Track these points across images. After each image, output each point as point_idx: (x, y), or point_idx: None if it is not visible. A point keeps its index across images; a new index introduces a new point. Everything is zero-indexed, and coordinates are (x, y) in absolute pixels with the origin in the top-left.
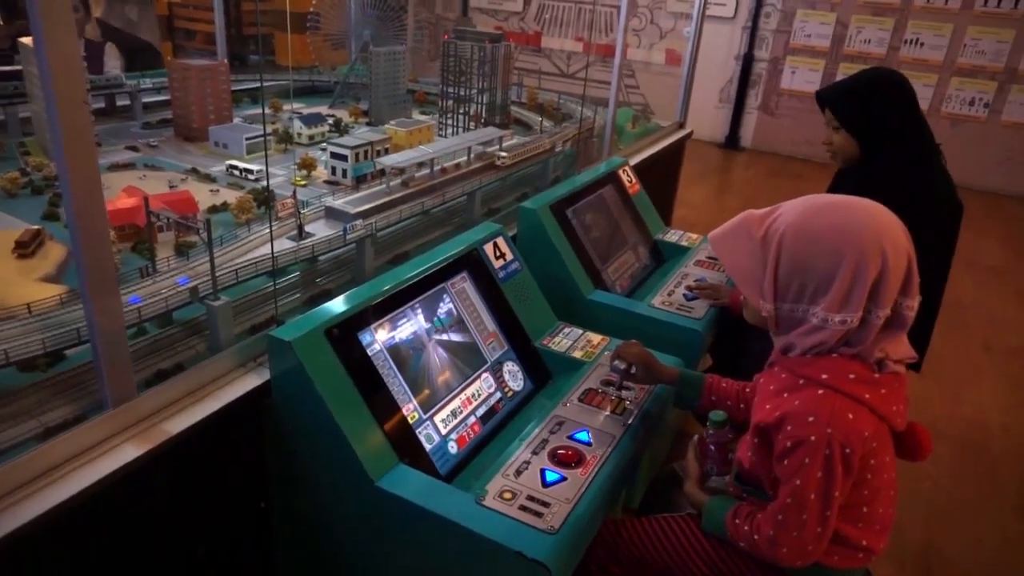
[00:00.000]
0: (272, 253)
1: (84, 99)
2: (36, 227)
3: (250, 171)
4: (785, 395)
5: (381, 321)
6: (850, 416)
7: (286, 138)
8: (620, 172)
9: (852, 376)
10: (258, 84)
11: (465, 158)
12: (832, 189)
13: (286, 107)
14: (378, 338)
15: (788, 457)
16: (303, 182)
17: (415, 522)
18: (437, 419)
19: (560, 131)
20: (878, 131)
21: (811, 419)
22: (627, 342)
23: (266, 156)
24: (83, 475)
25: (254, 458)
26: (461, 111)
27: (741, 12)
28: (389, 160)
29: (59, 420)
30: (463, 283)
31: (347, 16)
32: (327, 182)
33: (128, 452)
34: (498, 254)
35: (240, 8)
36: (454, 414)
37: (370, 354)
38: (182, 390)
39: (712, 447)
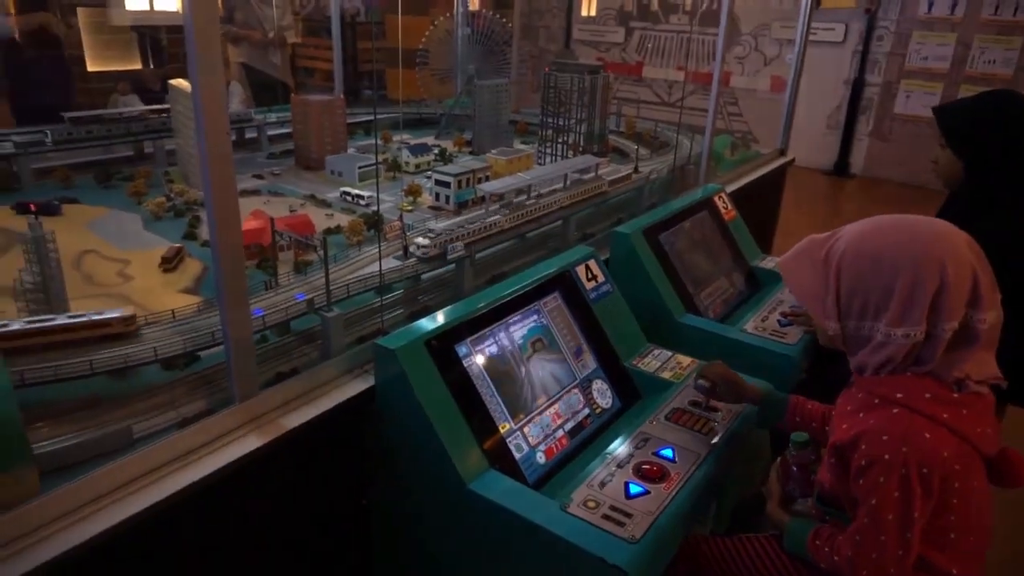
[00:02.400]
0: (380, 271)
1: (227, 132)
2: (178, 245)
3: (361, 197)
4: (860, 415)
5: (477, 335)
6: (927, 436)
7: (395, 167)
8: (716, 199)
9: (928, 395)
10: (370, 117)
11: (561, 185)
12: (941, 213)
13: (396, 138)
14: (474, 350)
15: (863, 476)
16: (409, 207)
17: (502, 524)
18: (527, 430)
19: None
20: (981, 153)
21: (885, 438)
22: (711, 362)
23: (377, 183)
24: (213, 460)
25: (357, 457)
26: (560, 140)
27: (851, 36)
28: (488, 187)
29: (193, 412)
30: (555, 302)
31: (454, 52)
32: (431, 207)
33: (251, 442)
34: (590, 276)
35: (355, 47)
36: (543, 426)
37: (466, 365)
38: (297, 391)
39: (794, 468)
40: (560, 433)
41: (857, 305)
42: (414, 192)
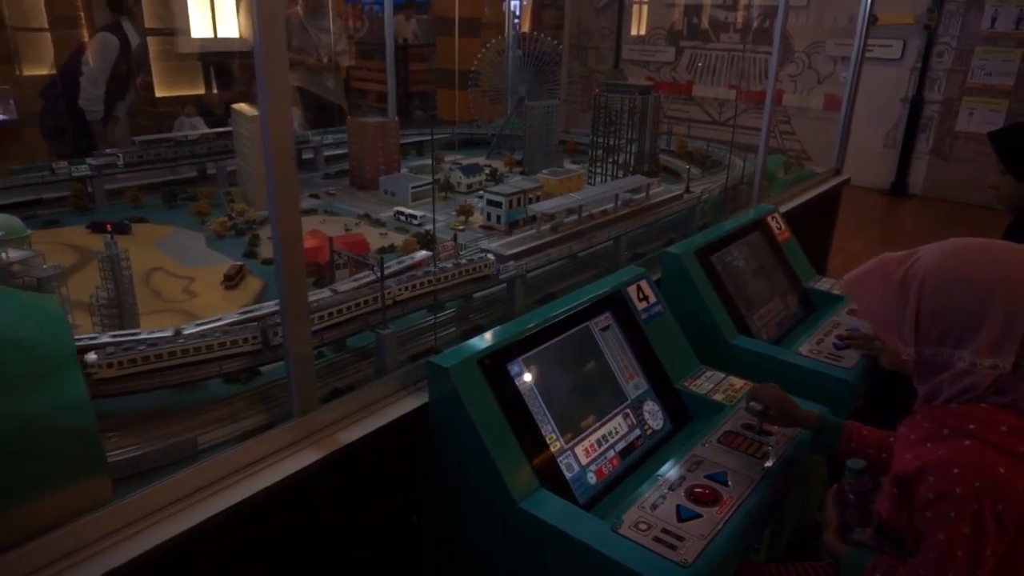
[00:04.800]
0: (434, 289)
1: (292, 155)
2: (239, 263)
3: (414, 216)
4: (928, 445)
5: (529, 354)
6: (1001, 471)
7: (447, 187)
8: (769, 219)
9: (1004, 428)
10: (420, 138)
11: (612, 205)
12: (1007, 237)
13: (448, 158)
14: (526, 369)
15: (931, 509)
16: (461, 227)
17: (553, 544)
18: (578, 450)
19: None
20: None
21: (956, 471)
22: (764, 384)
23: (434, 203)
24: (272, 473)
25: (410, 473)
26: (610, 160)
27: (909, 53)
28: (540, 207)
29: (254, 425)
30: (606, 322)
31: (505, 73)
32: (483, 227)
33: (308, 456)
34: (641, 296)
35: (407, 69)
36: (594, 447)
37: (517, 383)
38: (353, 406)
39: (851, 496)
40: (611, 453)
41: (938, 330)
42: (466, 212)
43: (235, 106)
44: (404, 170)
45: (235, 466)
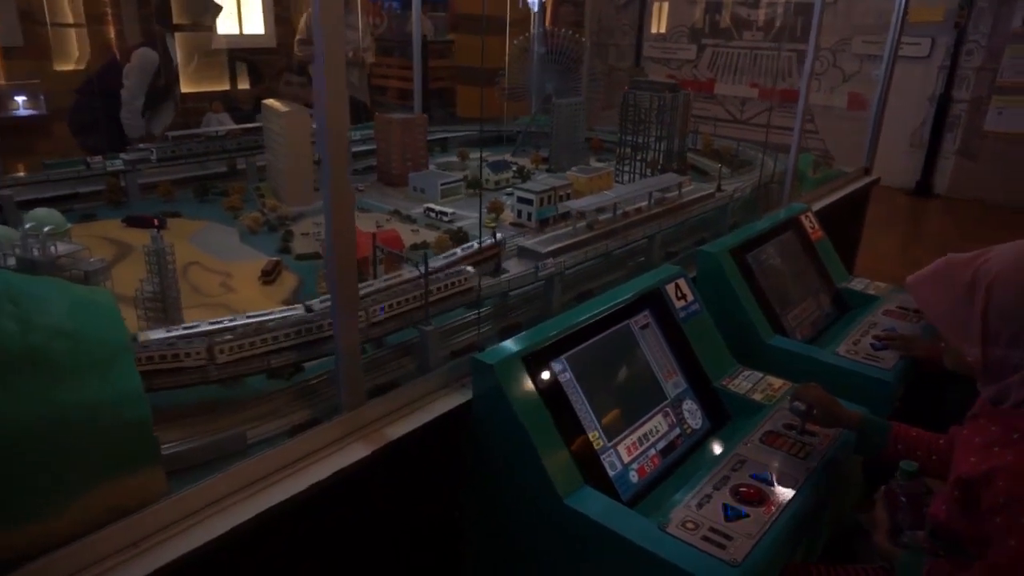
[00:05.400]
0: (478, 286)
1: (347, 152)
2: (276, 259)
3: (445, 213)
4: (995, 449)
5: (572, 351)
6: None
7: (474, 184)
8: (802, 218)
9: None
10: (443, 135)
11: (646, 203)
12: None
13: (472, 155)
14: (568, 367)
15: (1000, 515)
16: (492, 224)
17: (598, 542)
18: (620, 448)
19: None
20: None
21: None
22: (806, 384)
23: (481, 203)
24: (321, 467)
25: (452, 469)
26: (639, 158)
27: (937, 51)
28: (577, 204)
29: (300, 420)
30: (646, 320)
31: (529, 70)
32: (513, 224)
33: (357, 451)
34: (679, 295)
35: (427, 65)
36: (635, 444)
37: (561, 381)
38: (399, 402)
39: (903, 499)
40: (652, 452)
41: (1008, 332)
42: (496, 209)
43: (266, 102)
44: (431, 166)
45: (286, 460)
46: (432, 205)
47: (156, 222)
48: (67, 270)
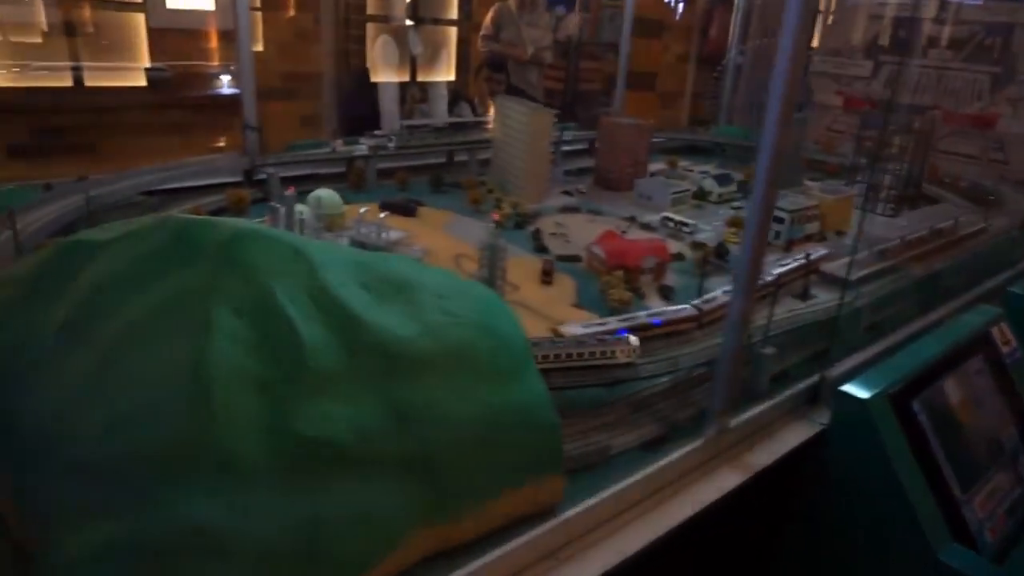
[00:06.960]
0: (833, 318)
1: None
2: (550, 258)
3: (685, 224)
4: None
5: (923, 393)
6: None
7: (700, 195)
8: None
9: None
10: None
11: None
12: None
13: (680, 163)
14: (923, 409)
15: None
16: (735, 239)
17: None
18: (975, 503)
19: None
20: None
21: None
22: None
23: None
24: (701, 489)
25: (799, 503)
26: (885, 184)
27: None
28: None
29: (650, 435)
30: (979, 364)
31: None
32: None
33: (726, 476)
34: (1004, 339)
35: (578, 68)
36: (985, 501)
37: (921, 422)
38: (753, 427)
39: None
40: (999, 511)
41: None
42: (736, 224)
43: (502, 98)
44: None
45: (664, 481)
46: (670, 215)
47: (496, 217)
48: None
